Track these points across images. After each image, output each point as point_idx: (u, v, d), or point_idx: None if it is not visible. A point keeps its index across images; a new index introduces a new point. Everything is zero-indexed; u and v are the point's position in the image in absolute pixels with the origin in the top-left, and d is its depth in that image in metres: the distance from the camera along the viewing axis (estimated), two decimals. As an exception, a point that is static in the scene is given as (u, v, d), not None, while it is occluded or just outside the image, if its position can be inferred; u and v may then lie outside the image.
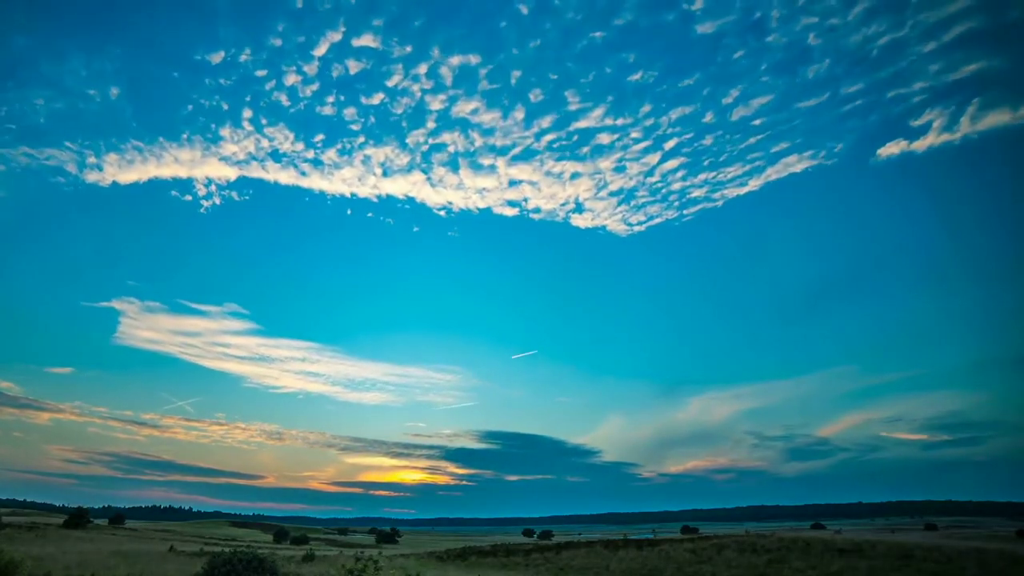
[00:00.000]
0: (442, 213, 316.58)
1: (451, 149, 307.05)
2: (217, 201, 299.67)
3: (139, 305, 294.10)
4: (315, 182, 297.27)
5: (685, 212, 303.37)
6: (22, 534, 37.77)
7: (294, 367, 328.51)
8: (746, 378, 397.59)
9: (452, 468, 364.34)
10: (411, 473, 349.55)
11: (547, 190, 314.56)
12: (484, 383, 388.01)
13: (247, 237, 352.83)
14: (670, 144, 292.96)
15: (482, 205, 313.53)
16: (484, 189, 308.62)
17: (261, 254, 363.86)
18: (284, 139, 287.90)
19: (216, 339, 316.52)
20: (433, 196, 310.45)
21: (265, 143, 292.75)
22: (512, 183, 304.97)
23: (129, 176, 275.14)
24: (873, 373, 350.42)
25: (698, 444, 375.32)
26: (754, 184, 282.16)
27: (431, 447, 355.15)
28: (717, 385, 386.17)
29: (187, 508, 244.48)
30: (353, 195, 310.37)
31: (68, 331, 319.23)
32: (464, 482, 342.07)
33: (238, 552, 17.96)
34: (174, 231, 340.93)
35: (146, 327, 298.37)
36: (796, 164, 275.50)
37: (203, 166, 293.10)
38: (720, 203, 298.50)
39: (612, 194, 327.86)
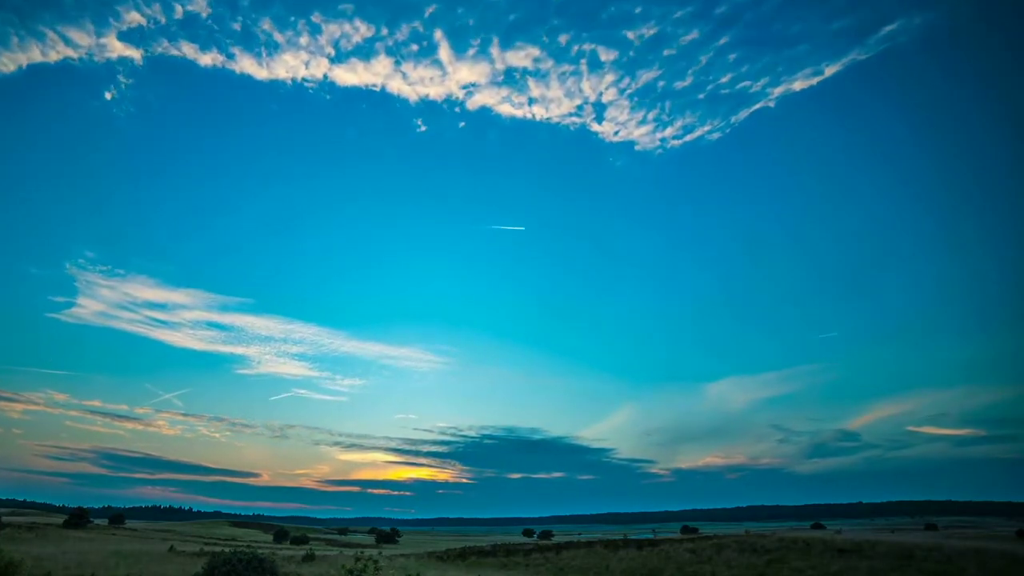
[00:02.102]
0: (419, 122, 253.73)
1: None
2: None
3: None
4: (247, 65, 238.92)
5: (719, 122, 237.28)
6: (22, 534, 37.80)
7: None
8: (771, 364, 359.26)
9: (452, 466, 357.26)
10: (408, 471, 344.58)
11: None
12: (476, 368, 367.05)
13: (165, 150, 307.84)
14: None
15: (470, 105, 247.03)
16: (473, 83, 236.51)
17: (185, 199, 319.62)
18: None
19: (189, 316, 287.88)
20: (405, 88, 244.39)
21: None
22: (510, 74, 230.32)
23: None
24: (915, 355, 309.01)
25: (715, 438, 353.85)
26: (829, 71, 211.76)
27: (427, 442, 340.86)
28: (738, 373, 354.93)
29: (187, 508, 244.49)
30: (297, 83, 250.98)
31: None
32: (464, 480, 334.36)
33: (238, 552, 17.97)
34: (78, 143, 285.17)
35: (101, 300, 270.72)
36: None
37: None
38: (773, 102, 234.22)
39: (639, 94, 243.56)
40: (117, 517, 74.18)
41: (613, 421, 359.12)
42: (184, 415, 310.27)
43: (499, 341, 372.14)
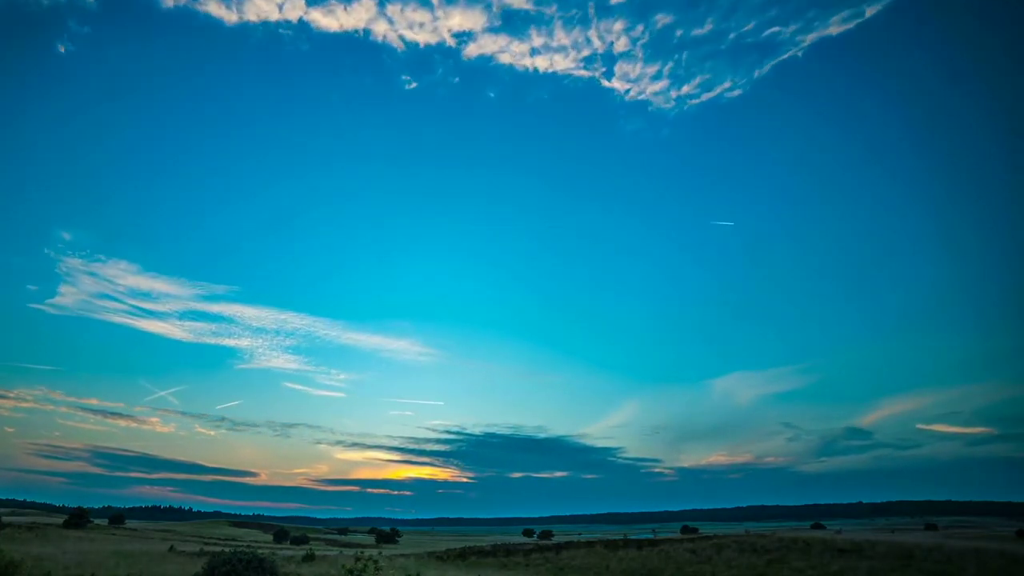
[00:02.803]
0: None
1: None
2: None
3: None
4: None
5: (741, 79, 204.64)
6: (22, 534, 37.80)
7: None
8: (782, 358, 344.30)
9: (452, 465, 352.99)
10: (407, 470, 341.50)
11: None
12: (475, 364, 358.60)
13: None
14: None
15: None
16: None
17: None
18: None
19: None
20: (391, 35, 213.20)
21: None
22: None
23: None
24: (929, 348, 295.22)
25: (721, 435, 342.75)
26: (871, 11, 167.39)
27: (426, 440, 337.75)
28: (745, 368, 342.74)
29: (187, 508, 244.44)
30: (270, 27, 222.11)
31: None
32: (464, 479, 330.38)
33: (238, 552, 17.98)
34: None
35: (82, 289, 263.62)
36: None
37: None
38: (800, 51, 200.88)
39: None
40: (117, 517, 74.19)
41: (616, 419, 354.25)
42: (179, 413, 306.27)
43: (499, 337, 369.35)
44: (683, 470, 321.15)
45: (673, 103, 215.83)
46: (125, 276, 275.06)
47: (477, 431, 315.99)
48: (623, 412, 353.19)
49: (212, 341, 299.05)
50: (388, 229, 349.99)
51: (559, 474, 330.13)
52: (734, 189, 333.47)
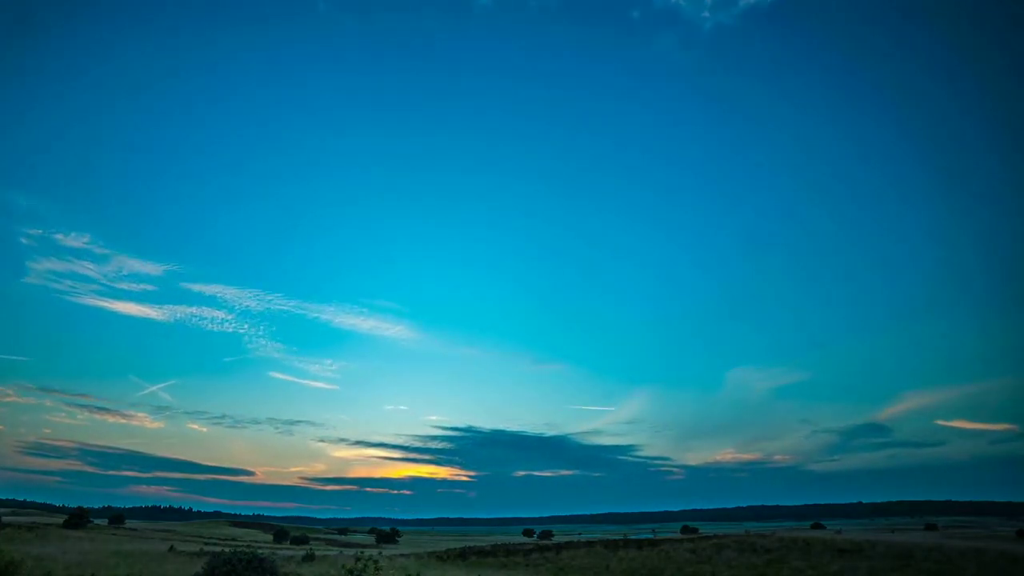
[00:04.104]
0: None
1: None
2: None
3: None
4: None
5: None
6: (22, 534, 37.79)
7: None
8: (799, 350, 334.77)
9: (452, 463, 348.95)
10: (407, 469, 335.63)
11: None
12: (475, 363, 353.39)
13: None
14: None
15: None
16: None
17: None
18: None
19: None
20: None
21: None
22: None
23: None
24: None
25: (732, 431, 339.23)
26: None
27: (424, 438, 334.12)
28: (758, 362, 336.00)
29: (187, 508, 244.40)
30: None
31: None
32: (463, 477, 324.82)
33: (238, 552, 17.97)
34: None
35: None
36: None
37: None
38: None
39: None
40: (117, 517, 74.25)
41: (621, 414, 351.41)
42: (169, 409, 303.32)
43: (500, 335, 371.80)
44: (690, 468, 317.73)
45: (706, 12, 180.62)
46: (94, 254, 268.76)
47: (476, 429, 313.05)
48: (629, 409, 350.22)
49: (195, 323, 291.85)
50: (381, 215, 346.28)
51: (564, 472, 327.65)
52: (746, 172, 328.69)
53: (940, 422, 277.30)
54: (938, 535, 51.75)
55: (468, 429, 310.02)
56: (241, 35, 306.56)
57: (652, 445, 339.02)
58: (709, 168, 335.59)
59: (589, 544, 38.42)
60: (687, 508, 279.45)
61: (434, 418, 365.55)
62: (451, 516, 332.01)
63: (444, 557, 37.02)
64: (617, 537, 47.47)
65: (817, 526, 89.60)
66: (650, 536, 53.06)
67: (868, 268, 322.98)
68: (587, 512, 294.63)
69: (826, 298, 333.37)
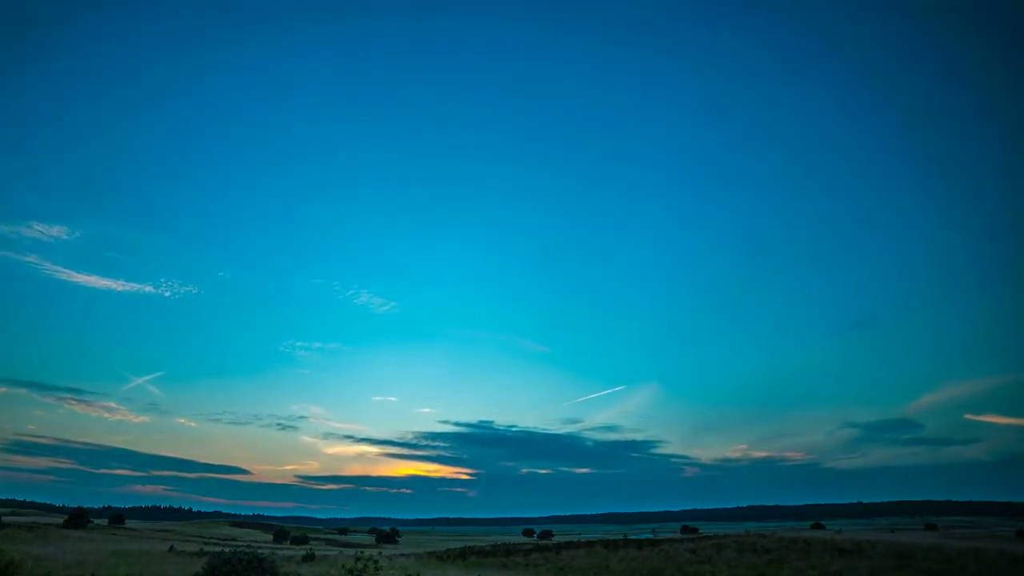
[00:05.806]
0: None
1: None
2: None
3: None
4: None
5: None
6: (22, 534, 37.79)
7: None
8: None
9: (451, 461, 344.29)
10: (407, 467, 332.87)
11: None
12: (475, 361, 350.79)
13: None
14: None
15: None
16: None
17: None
18: None
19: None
20: None
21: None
22: None
23: None
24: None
25: (745, 426, 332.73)
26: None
27: (423, 435, 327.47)
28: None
29: (187, 508, 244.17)
30: None
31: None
32: (463, 476, 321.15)
33: (238, 552, 17.97)
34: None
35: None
36: None
37: None
38: None
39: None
40: (117, 517, 74.26)
41: (626, 407, 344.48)
42: (158, 405, 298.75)
43: (498, 333, 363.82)
44: (703, 465, 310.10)
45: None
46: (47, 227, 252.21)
47: (475, 428, 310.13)
48: (634, 401, 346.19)
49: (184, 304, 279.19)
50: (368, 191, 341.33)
51: (563, 469, 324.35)
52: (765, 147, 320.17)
53: (969, 416, 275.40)
54: (938, 535, 51.75)
55: (465, 426, 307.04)
56: (231, 25, 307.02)
57: (667, 441, 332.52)
58: (735, 147, 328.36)
59: (589, 544, 38.42)
60: (698, 507, 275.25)
61: (427, 411, 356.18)
62: (451, 516, 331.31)
63: (444, 557, 37.02)
64: (617, 537, 47.47)
65: (817, 526, 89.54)
66: (650, 536, 53.06)
67: (887, 257, 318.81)
68: (587, 512, 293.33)
69: (857, 283, 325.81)
